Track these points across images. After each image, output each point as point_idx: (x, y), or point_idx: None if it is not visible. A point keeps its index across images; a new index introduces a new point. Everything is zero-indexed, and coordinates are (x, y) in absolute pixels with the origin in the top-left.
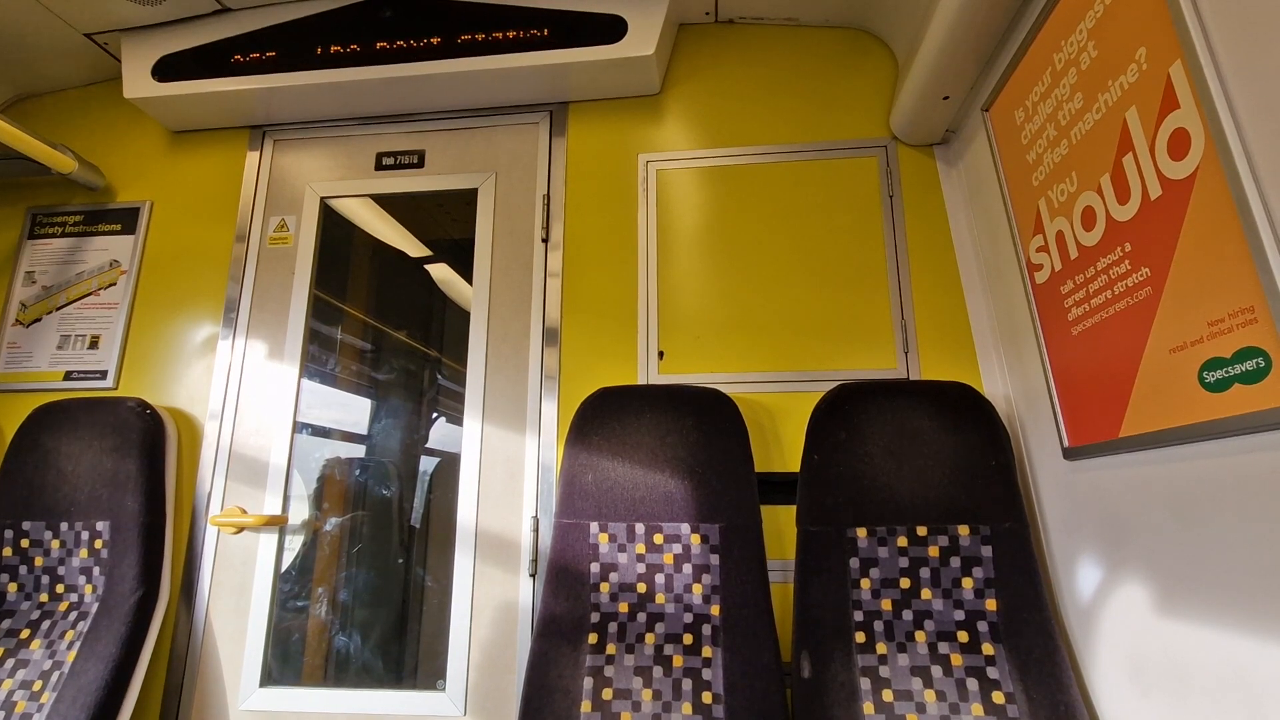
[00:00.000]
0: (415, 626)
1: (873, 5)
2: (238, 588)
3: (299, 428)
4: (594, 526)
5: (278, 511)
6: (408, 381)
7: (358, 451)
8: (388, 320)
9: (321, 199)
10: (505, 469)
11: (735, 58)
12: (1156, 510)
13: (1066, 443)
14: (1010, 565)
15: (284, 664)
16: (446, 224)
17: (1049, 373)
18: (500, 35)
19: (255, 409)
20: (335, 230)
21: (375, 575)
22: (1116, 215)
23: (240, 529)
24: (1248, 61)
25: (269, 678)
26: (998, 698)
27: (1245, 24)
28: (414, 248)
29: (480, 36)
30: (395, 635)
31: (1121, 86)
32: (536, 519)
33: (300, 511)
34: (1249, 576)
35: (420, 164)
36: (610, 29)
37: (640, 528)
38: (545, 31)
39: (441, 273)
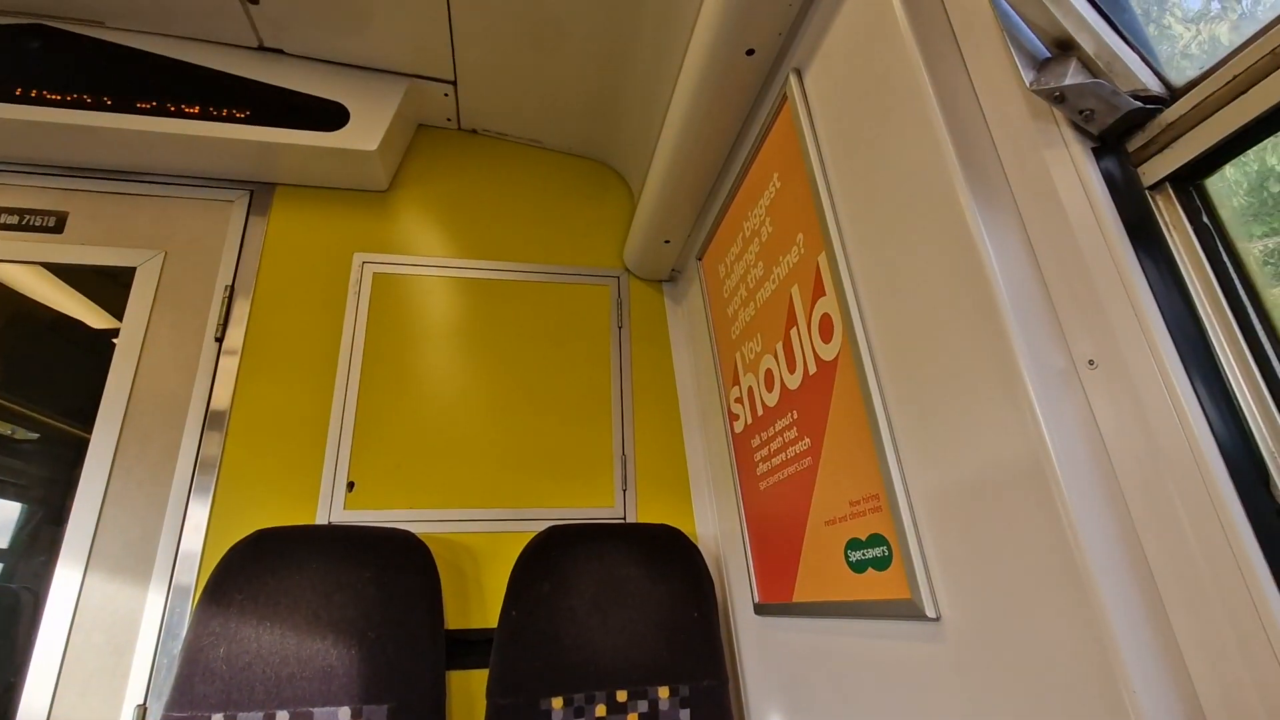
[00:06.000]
0: None
1: (610, 142)
2: None
3: None
4: None
5: None
6: (72, 478)
7: None
8: (38, 404)
9: None
10: (109, 637)
11: (476, 168)
12: (823, 676)
13: (757, 598)
14: None
15: None
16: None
17: (744, 524)
18: (191, 109)
19: None
20: None
21: None
22: (788, 383)
23: None
24: (869, 264)
25: None
26: None
27: (866, 226)
28: (97, 317)
29: (165, 105)
30: None
31: (788, 265)
32: (144, 709)
33: None
34: None
35: (58, 228)
36: (330, 115)
37: (282, 717)
38: (247, 112)
39: None
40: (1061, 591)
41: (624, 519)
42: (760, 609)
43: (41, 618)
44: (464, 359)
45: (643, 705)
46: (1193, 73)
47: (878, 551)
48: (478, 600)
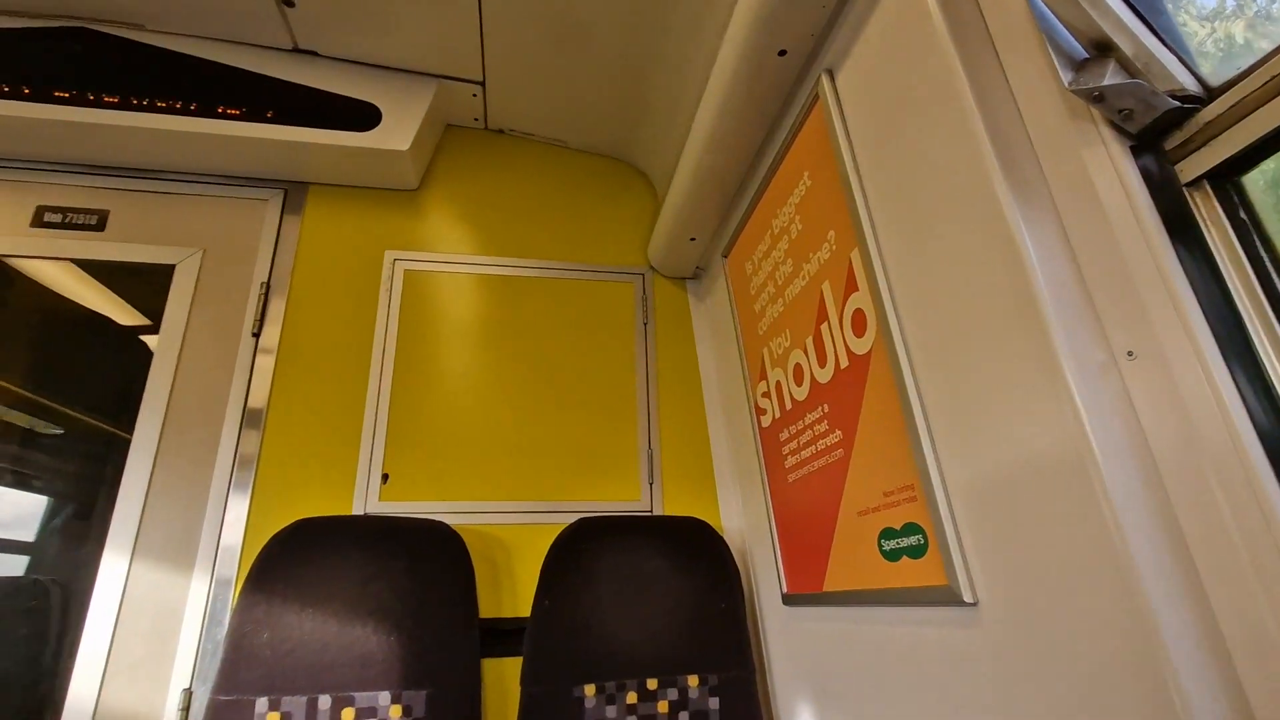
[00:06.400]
0: None
1: (635, 142)
2: None
3: None
4: (261, 704)
5: None
6: (101, 474)
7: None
8: (68, 399)
9: None
10: (154, 623)
11: (503, 167)
12: (853, 663)
13: (785, 589)
14: (735, 716)
15: None
16: (149, 295)
17: (771, 516)
18: (228, 110)
19: None
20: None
21: None
22: (818, 377)
23: None
24: (904, 259)
25: None
26: None
27: (901, 223)
28: (126, 314)
29: (202, 106)
30: None
31: (819, 261)
32: (190, 693)
33: None
34: None
35: (100, 227)
36: (363, 116)
37: (325, 701)
38: (281, 113)
39: None
40: (1102, 577)
41: (650, 512)
42: (788, 599)
43: (90, 605)
44: (493, 354)
45: (672, 693)
46: (1209, 69)
47: (913, 540)
48: (510, 590)
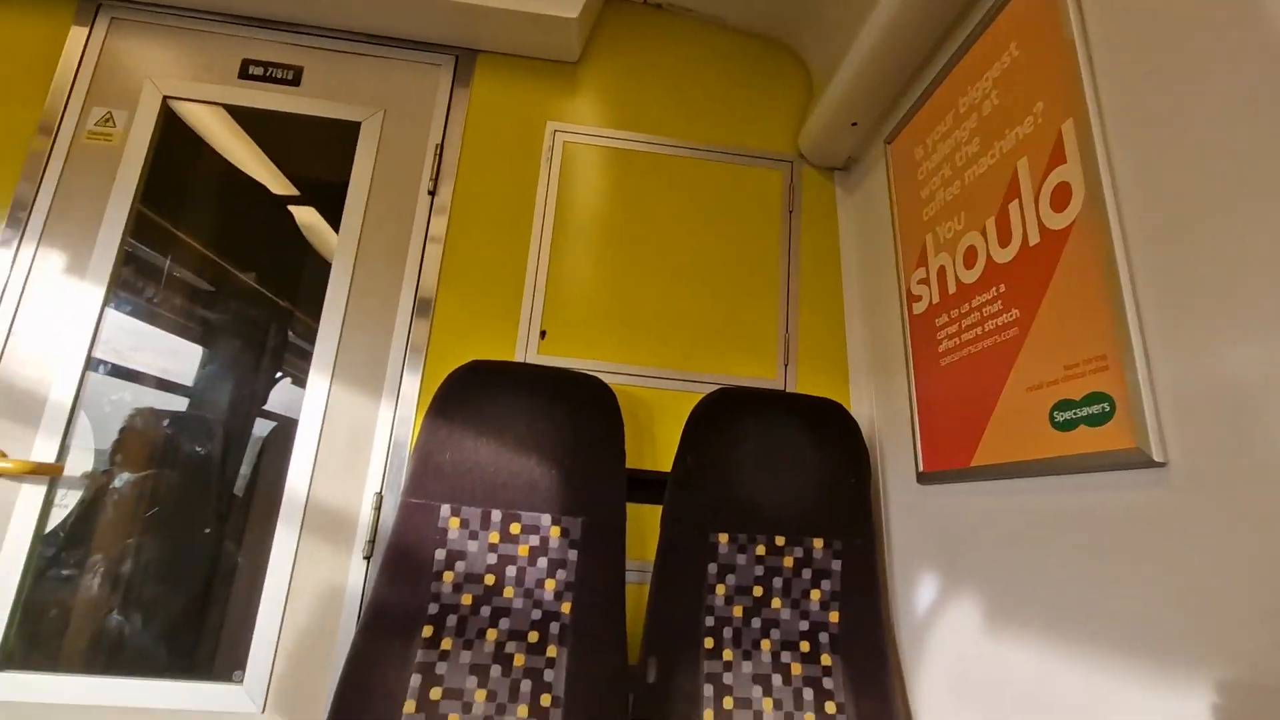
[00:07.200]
0: (217, 609)
1: (798, 22)
2: None
3: (94, 364)
4: (445, 509)
5: (50, 459)
6: (250, 332)
7: (177, 404)
8: (233, 259)
9: (164, 98)
10: (350, 438)
11: (658, 43)
12: (993, 538)
13: (921, 468)
14: (855, 581)
15: (32, 645)
16: (317, 163)
17: (914, 400)
18: None
19: (36, 334)
20: (178, 142)
21: (174, 546)
22: (996, 257)
23: None
24: (1132, 128)
25: (9, 660)
26: (830, 708)
27: (1134, 91)
28: (278, 183)
29: None
30: (191, 618)
31: (1017, 136)
32: (380, 496)
33: (82, 462)
34: (1062, 603)
35: (296, 82)
36: None
37: (497, 515)
38: None
39: (307, 217)
40: None
41: (784, 390)
42: (924, 477)
43: (300, 419)
44: (642, 228)
45: (798, 551)
46: None
47: (1094, 409)
48: (650, 446)
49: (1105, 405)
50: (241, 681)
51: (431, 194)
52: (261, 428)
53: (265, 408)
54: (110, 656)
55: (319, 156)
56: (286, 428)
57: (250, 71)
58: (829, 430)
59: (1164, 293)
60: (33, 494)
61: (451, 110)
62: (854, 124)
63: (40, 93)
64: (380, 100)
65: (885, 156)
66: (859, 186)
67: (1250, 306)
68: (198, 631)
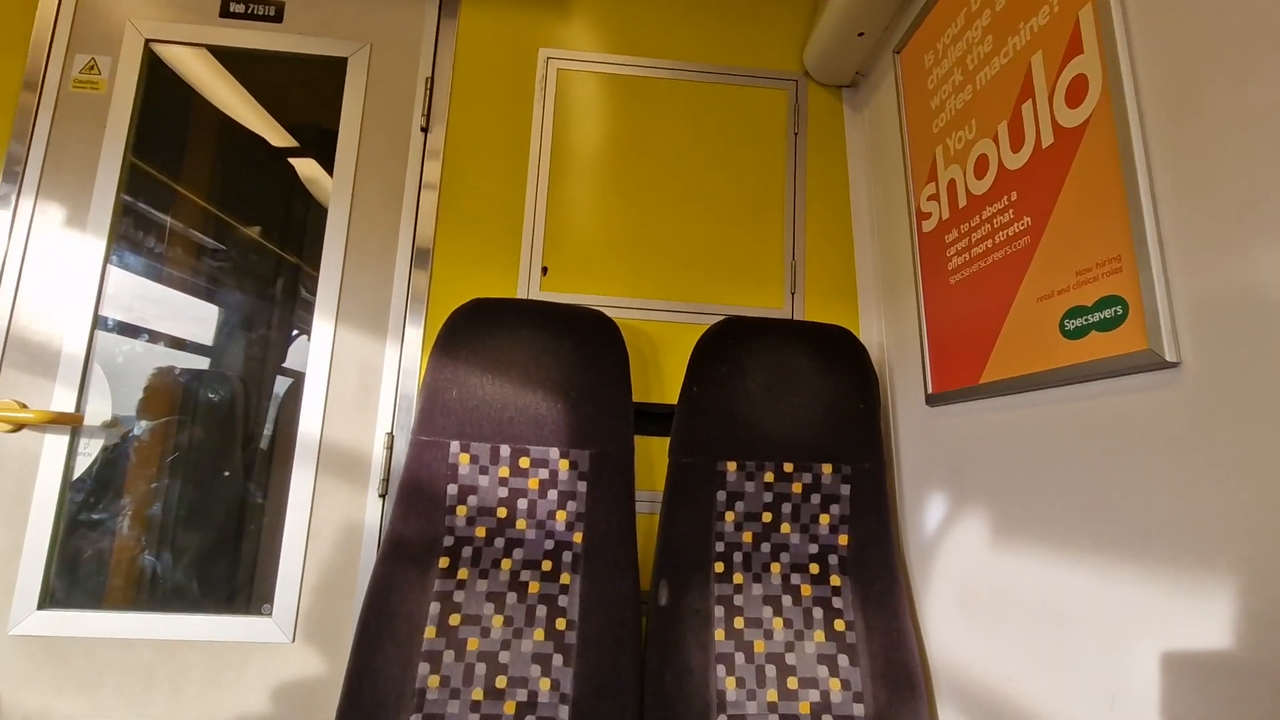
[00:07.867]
0: (244, 547)
1: None
2: (13, 495)
3: (102, 321)
4: (454, 446)
5: (70, 408)
6: (262, 289)
7: (199, 363)
8: (237, 214)
9: (146, 41)
10: (359, 379)
11: None
12: (1001, 453)
13: (930, 389)
14: (864, 504)
15: (73, 584)
16: (314, 109)
17: (923, 321)
18: None
19: (44, 287)
20: (167, 91)
21: (199, 488)
22: (1008, 164)
23: (19, 426)
24: (1154, 11)
25: (51, 599)
26: (839, 625)
27: None
28: (277, 135)
29: None
30: (219, 555)
31: (1031, 30)
32: (391, 435)
33: (102, 412)
34: (1068, 513)
35: (278, 18)
36: None
37: (505, 450)
38: None
39: (308, 169)
40: None
41: (791, 319)
42: (933, 399)
43: (307, 364)
44: (642, 158)
45: (807, 477)
46: None
47: (1106, 313)
48: (656, 378)
49: (1118, 308)
50: (270, 614)
51: (424, 130)
52: (281, 385)
53: (286, 365)
54: (146, 592)
55: (312, 100)
56: (302, 382)
57: (231, 9)
58: (837, 356)
59: (1182, 189)
60: (55, 444)
61: (440, 41)
62: (860, 34)
63: (22, 43)
64: (366, 34)
65: (895, 68)
66: (867, 103)
67: (1274, 199)
68: (226, 569)
